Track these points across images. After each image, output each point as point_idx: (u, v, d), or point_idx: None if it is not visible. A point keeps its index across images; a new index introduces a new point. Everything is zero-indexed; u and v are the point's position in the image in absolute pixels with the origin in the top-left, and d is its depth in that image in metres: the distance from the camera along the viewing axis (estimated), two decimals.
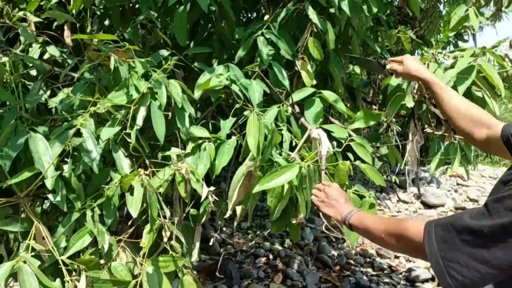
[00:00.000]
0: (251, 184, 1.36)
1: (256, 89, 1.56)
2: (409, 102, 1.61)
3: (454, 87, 1.48)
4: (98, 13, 2.01)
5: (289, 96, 1.63)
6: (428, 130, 1.62)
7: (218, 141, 1.45)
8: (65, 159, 1.26)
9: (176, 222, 1.41)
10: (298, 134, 1.56)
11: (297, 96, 1.65)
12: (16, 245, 1.24)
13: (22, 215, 1.24)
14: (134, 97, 1.33)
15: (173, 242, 1.32)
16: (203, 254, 3.85)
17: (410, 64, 1.38)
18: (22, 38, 1.64)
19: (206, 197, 1.36)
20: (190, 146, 1.41)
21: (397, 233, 0.99)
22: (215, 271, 3.09)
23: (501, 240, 0.75)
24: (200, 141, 1.43)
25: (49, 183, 1.18)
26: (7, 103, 1.37)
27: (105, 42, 1.45)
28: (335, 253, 4.09)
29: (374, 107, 2.12)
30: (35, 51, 1.64)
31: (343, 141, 1.50)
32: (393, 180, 6.01)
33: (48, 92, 1.55)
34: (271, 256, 3.96)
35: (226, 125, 1.46)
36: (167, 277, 1.24)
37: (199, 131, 1.45)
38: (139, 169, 1.28)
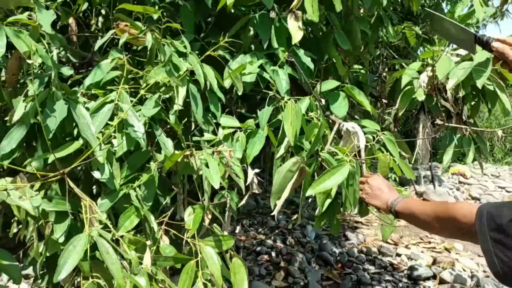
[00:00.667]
0: (302, 179, 1.34)
1: (282, 77, 1.53)
2: (420, 96, 1.59)
3: (467, 80, 1.46)
4: (103, 11, 1.95)
5: (313, 88, 1.60)
6: (438, 122, 1.60)
7: (248, 131, 1.44)
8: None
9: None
10: (327, 127, 1.54)
11: (324, 87, 1.62)
12: (47, 227, 1.15)
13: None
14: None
15: (214, 225, 1.31)
16: None
17: None
18: None
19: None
20: (222, 132, 1.40)
21: (445, 216, 1.01)
22: None
23: None
24: (231, 130, 1.43)
25: (100, 158, 1.10)
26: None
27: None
28: (336, 250, 4.07)
29: (384, 101, 2.09)
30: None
31: (374, 135, 1.49)
32: (393, 178, 6.01)
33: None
34: (273, 254, 3.94)
35: (264, 115, 1.45)
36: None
37: (230, 121, 1.45)
38: (187, 149, 1.24)
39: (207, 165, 1.21)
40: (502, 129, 1.61)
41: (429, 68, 1.68)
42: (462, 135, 1.56)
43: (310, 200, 6.02)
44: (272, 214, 1.33)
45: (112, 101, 1.19)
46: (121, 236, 1.09)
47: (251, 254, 3.94)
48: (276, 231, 4.56)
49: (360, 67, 2.24)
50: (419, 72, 1.74)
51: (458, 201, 5.28)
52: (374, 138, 1.49)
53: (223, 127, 1.42)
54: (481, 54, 1.44)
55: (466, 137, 1.53)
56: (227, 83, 1.48)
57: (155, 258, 1.12)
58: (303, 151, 1.39)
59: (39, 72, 1.22)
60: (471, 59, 1.50)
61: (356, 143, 1.37)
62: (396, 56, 2.97)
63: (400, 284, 3.49)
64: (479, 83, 1.40)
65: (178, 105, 1.26)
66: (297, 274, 3.53)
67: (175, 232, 1.28)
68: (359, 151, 1.36)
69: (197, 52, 1.53)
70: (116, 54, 1.39)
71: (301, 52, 1.65)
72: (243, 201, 1.46)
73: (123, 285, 0.93)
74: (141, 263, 1.05)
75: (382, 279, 3.58)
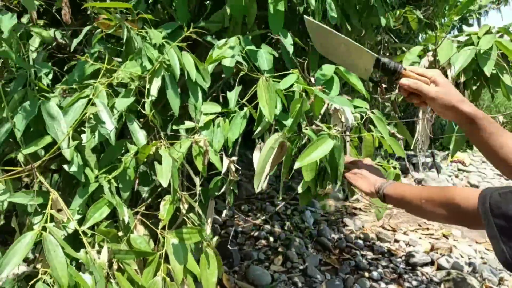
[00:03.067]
0: (282, 155, 1.33)
1: (265, 56, 1.51)
2: None
3: (469, 65, 1.43)
4: None
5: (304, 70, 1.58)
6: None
7: (231, 115, 1.42)
8: (78, 130, 1.22)
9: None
10: (321, 102, 1.50)
11: (319, 73, 1.59)
12: (28, 219, 1.20)
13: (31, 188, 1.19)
14: (148, 68, 1.29)
15: (191, 215, 1.30)
16: None
17: (450, 89, 1.03)
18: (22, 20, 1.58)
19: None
20: (203, 119, 1.39)
21: (443, 199, 0.97)
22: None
23: None
24: (212, 116, 1.41)
25: (67, 153, 1.14)
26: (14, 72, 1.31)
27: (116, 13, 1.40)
28: (335, 236, 4.09)
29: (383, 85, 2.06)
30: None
31: (363, 115, 1.46)
32: (393, 165, 6.01)
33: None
34: (271, 239, 3.97)
35: (233, 95, 1.43)
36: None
37: (212, 107, 1.43)
38: (159, 140, 1.25)
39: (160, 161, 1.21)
40: (502, 114, 1.60)
41: (431, 53, 1.66)
42: None
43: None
44: (257, 192, 1.33)
45: (87, 96, 1.21)
46: (93, 227, 1.11)
47: (250, 239, 3.96)
48: (275, 217, 4.58)
49: None
50: (420, 57, 1.72)
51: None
52: (362, 118, 1.47)
53: (205, 114, 1.41)
54: (485, 40, 1.41)
55: None
56: (209, 69, 1.47)
57: (114, 252, 1.12)
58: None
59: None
60: (473, 44, 1.47)
61: (343, 121, 1.35)
62: (397, 41, 2.93)
63: (398, 270, 3.52)
64: (487, 70, 1.36)
65: (152, 96, 1.27)
66: (295, 259, 3.56)
67: (148, 223, 1.28)
68: (346, 130, 1.34)
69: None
70: (99, 47, 1.42)
71: (285, 34, 1.63)
72: (223, 189, 1.46)
73: (65, 284, 0.92)
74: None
75: (380, 264, 3.61)
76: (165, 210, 1.20)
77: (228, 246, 3.40)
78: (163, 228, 1.21)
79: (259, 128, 1.37)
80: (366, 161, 1.29)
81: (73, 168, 1.17)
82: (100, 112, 1.19)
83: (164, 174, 1.16)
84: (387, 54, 2.77)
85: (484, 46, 1.39)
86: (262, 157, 1.29)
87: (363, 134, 1.38)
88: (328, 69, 1.59)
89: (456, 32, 5.78)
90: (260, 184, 1.31)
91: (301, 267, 3.46)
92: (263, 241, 3.92)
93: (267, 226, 4.28)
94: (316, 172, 1.32)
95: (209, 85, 1.42)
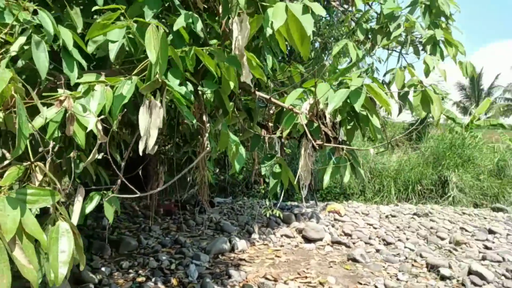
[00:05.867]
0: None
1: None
2: (303, 120, 1.68)
3: (344, 106, 1.59)
4: None
5: None
6: (318, 142, 1.70)
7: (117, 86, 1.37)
8: None
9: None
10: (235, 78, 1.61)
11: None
12: None
13: None
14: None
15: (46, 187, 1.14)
16: None
17: None
18: None
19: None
20: (82, 88, 1.31)
21: None
22: None
23: None
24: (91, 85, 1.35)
25: None
26: None
27: None
28: None
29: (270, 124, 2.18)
30: None
31: None
32: (277, 215, 6.22)
33: None
34: None
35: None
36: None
37: (90, 77, 1.37)
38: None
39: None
40: (373, 147, 1.79)
41: (311, 97, 1.81)
42: (339, 156, 1.68)
43: (192, 238, 5.81)
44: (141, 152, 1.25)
45: None
46: None
47: None
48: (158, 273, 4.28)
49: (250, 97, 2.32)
50: (302, 101, 1.85)
51: (332, 236, 5.65)
52: None
53: (83, 83, 1.36)
54: (356, 81, 1.59)
55: (343, 157, 1.66)
56: (90, 49, 1.44)
57: None
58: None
59: None
60: (347, 87, 1.65)
61: None
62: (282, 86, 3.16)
63: None
64: (357, 106, 1.53)
65: (14, 51, 1.21)
66: None
67: None
68: None
69: None
70: None
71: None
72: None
73: None
74: None
75: None
76: (8, 177, 1.08)
77: None
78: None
79: (147, 87, 1.34)
80: None
81: None
82: None
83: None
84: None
85: (355, 85, 1.57)
86: (146, 119, 1.24)
87: None
88: None
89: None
90: (147, 147, 1.25)
91: None
92: None
93: (150, 283, 3.97)
94: None
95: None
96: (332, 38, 3.95)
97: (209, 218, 6.49)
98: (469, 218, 7.39)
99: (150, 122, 1.35)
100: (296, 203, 7.60)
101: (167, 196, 7.50)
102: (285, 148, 1.93)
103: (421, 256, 5.07)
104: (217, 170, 7.83)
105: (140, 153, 1.36)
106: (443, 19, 2.66)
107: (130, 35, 1.50)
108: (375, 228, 6.40)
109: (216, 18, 1.77)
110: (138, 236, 5.34)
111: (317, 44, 4.08)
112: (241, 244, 5.24)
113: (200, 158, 1.74)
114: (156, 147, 1.46)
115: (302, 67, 2.72)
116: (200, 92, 1.69)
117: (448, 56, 2.56)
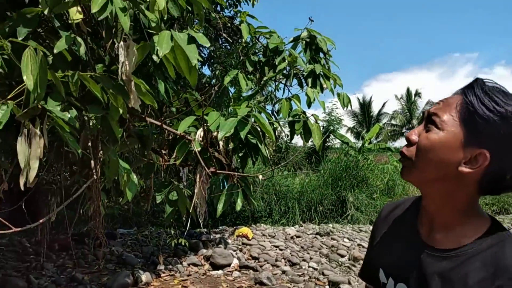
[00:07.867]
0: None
1: None
2: (196, 147, 1.69)
3: (235, 134, 1.63)
4: None
5: None
6: (212, 170, 1.71)
7: None
8: None
9: None
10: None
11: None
12: None
13: None
14: None
15: None
16: None
17: None
18: None
19: None
20: None
21: None
22: None
23: None
24: None
25: None
26: None
27: None
28: None
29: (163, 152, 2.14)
30: None
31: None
32: (183, 243, 6.06)
33: None
34: None
35: None
36: None
37: None
38: None
39: None
40: (261, 174, 1.85)
41: (205, 124, 1.82)
42: (232, 183, 1.71)
43: (91, 274, 5.38)
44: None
45: None
46: None
47: None
48: None
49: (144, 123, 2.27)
50: (197, 128, 1.87)
51: (240, 261, 5.65)
52: None
53: None
54: (242, 110, 1.66)
55: (235, 184, 1.69)
56: None
57: None
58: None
59: None
60: (236, 115, 1.70)
61: None
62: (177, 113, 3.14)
63: None
64: (242, 134, 1.58)
65: None
66: None
67: None
68: None
69: None
70: None
71: None
72: None
73: None
74: None
75: None
76: None
77: None
78: None
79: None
80: None
81: None
82: None
83: None
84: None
85: (241, 114, 1.63)
86: (25, 150, 1.15)
87: None
88: None
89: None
90: (27, 180, 1.15)
91: None
92: None
93: None
94: None
95: None
96: (232, 67, 4.07)
97: (111, 251, 6.10)
98: (365, 235, 7.96)
99: (30, 152, 1.26)
100: (205, 230, 7.50)
101: (64, 230, 6.89)
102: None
103: (323, 274, 5.30)
104: (120, 200, 7.42)
105: (22, 187, 1.25)
106: (321, 55, 2.96)
107: (5, 56, 1.40)
108: (281, 249, 6.56)
109: (102, 42, 1.72)
110: (27, 276, 4.80)
111: (217, 72, 4.17)
112: (145, 276, 5.00)
113: (86, 187, 1.65)
114: (37, 179, 1.36)
115: (197, 94, 2.75)
116: (86, 118, 1.62)
117: (327, 89, 2.83)
